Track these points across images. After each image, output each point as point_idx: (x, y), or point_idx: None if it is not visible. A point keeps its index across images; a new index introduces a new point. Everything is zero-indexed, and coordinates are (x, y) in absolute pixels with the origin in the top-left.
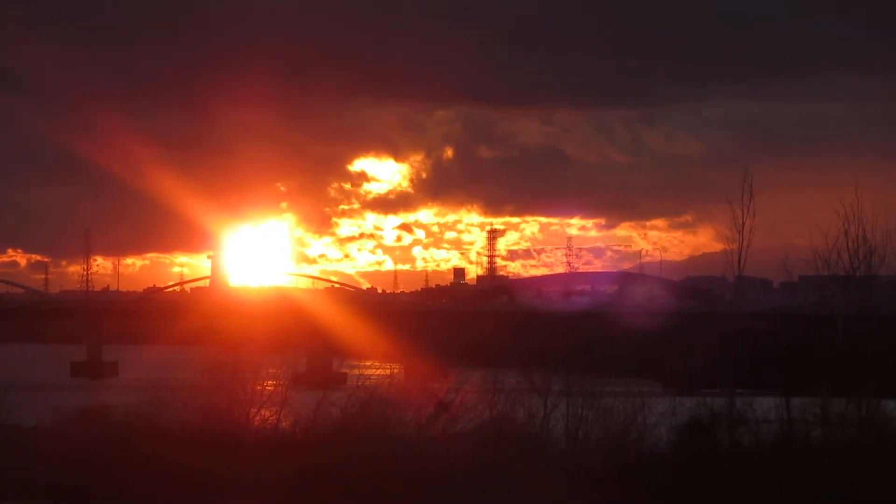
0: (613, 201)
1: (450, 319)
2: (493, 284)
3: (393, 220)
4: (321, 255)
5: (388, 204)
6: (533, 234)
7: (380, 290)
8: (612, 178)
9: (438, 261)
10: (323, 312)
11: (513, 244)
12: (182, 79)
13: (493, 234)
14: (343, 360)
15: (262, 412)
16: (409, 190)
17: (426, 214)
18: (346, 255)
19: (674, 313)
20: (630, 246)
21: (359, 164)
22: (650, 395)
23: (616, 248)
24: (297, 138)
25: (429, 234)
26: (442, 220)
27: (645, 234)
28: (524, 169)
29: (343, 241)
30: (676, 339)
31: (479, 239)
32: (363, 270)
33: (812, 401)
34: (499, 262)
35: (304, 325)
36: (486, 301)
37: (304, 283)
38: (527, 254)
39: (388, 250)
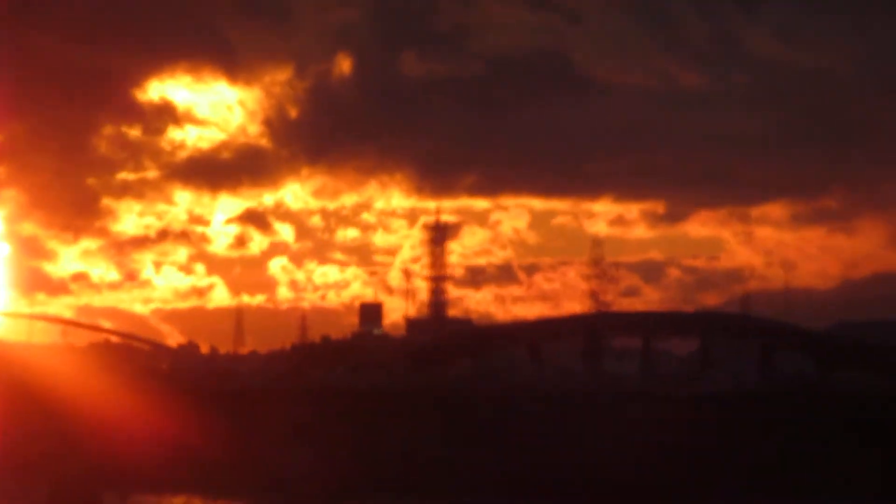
0: (676, 166)
1: (353, 410)
2: (440, 335)
3: (230, 203)
4: (77, 277)
5: (219, 171)
6: (517, 232)
7: (205, 350)
8: (670, 117)
9: (326, 288)
10: (82, 394)
11: (476, 253)
12: None
13: (439, 234)
14: (123, 491)
15: None
16: (264, 143)
17: (299, 194)
18: (133, 278)
19: (808, 394)
20: (717, 258)
21: (157, 90)
22: None
23: (689, 261)
24: (32, 36)
25: (304, 232)
26: (332, 206)
27: (747, 234)
28: (497, 100)
29: (125, 246)
30: (817, 446)
31: (408, 242)
32: (169, 308)
33: None
34: (450, 289)
35: (44, 419)
36: (425, 370)
37: (43, 334)
38: (505, 273)
39: (221, 266)
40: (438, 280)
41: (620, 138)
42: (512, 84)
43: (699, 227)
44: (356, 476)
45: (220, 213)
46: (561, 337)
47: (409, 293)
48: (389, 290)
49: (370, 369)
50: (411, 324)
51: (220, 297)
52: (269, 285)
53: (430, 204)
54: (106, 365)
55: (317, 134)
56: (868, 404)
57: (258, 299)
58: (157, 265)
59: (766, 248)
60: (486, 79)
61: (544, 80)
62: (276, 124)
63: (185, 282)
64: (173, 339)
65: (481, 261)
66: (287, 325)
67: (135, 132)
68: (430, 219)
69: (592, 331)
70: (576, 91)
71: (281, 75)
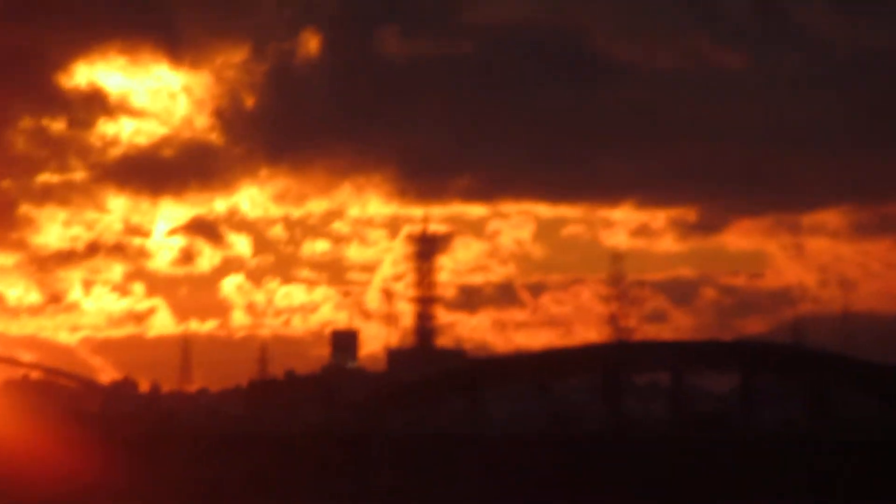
0: (713, 165)
1: (324, 460)
2: (429, 370)
3: (174, 211)
4: None
5: (160, 172)
6: (520, 244)
7: (144, 388)
8: (705, 105)
9: (290, 312)
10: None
11: (470, 269)
12: None
13: (426, 247)
14: None
15: None
16: (214, 138)
17: (257, 199)
18: (57, 300)
19: (870, 440)
20: (761, 275)
21: (85, 74)
22: None
23: (728, 280)
24: None
25: (264, 245)
26: (297, 213)
27: (798, 247)
28: (496, 85)
29: (47, 262)
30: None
31: (389, 257)
32: (101, 337)
33: None
34: (440, 313)
35: None
36: (411, 412)
37: None
38: (506, 294)
39: (164, 286)
40: (425, 302)
41: (645, 131)
42: (514, 67)
43: (739, 238)
44: None
45: (163, 223)
46: (574, 372)
47: (390, 318)
48: (367, 315)
49: (345, 411)
50: (393, 355)
51: (163, 323)
52: (221, 309)
53: (416, 211)
54: (25, 406)
55: (279, 127)
56: None
57: (209, 326)
58: (87, 285)
59: (820, 263)
60: (483, 60)
61: (553, 61)
62: (229, 116)
63: (120, 305)
64: (106, 374)
65: (477, 279)
66: (244, 358)
67: (58, 125)
68: (416, 228)
69: (612, 364)
70: (591, 75)
71: (235, 57)
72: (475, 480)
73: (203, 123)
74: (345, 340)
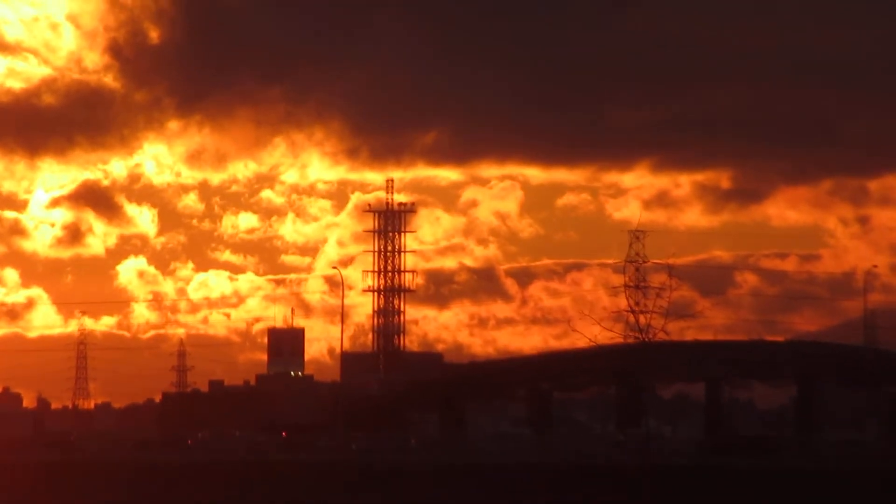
0: (753, 113)
1: (265, 497)
2: (394, 380)
3: (57, 175)
4: None
5: (39, 124)
6: (504, 219)
7: (29, 403)
8: (744, 36)
9: (209, 306)
10: None
11: (440, 251)
12: None
13: (384, 222)
14: None
15: None
16: (109, 82)
17: (164, 160)
18: None
19: None
20: (817, 256)
21: None
22: None
23: (774, 263)
24: None
25: (173, 220)
26: (216, 179)
27: (863, 220)
28: (474, 10)
29: None
30: None
31: (334, 235)
32: None
33: None
34: (408, 310)
35: None
36: (373, 433)
37: None
38: (486, 282)
39: (45, 273)
40: (386, 294)
41: (666, 70)
42: None
43: (787, 209)
44: None
45: (42, 190)
46: (579, 382)
47: (341, 315)
48: (307, 310)
49: (286, 432)
50: (348, 361)
51: (47, 319)
52: (119, 302)
53: (370, 176)
54: None
55: (191, 68)
56: None
57: (105, 324)
58: None
59: (893, 241)
60: None
61: None
62: (127, 53)
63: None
64: None
65: (449, 263)
66: (154, 365)
67: None
68: (372, 199)
69: (627, 372)
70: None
71: None
72: None
73: (94, 62)
74: (286, 342)
